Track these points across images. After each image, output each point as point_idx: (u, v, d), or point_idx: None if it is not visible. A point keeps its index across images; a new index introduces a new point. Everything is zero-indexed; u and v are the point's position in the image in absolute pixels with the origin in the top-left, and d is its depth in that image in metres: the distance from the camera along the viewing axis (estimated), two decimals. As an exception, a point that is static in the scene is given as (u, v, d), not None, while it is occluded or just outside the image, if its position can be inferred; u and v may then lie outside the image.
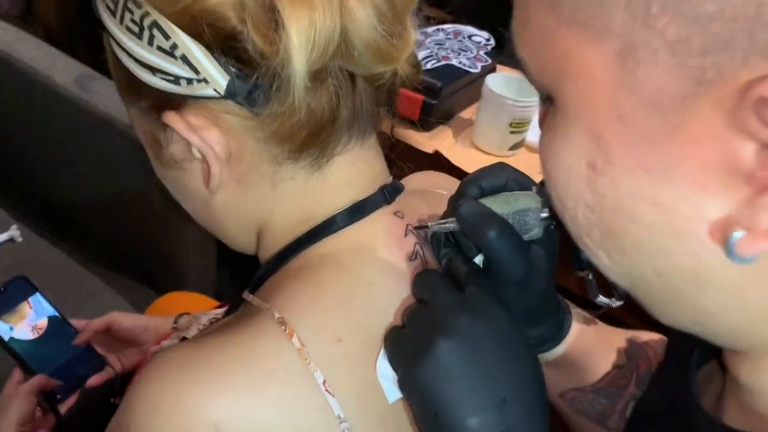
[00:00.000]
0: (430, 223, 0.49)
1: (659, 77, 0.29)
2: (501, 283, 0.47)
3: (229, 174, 0.47)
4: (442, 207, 0.51)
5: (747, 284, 0.31)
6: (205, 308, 0.93)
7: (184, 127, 0.45)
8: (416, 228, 0.50)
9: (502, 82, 1.11)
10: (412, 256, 0.49)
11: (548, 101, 0.35)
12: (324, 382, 0.42)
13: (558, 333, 0.57)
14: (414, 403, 0.43)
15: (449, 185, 0.58)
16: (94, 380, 0.79)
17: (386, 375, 0.44)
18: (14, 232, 1.26)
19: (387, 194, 0.50)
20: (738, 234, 0.28)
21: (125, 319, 0.86)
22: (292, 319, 0.44)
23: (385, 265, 0.48)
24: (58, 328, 0.84)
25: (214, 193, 0.48)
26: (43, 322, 0.85)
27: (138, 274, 1.27)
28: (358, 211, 0.49)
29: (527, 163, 1.12)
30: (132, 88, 0.47)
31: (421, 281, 0.46)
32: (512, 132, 1.10)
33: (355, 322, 0.45)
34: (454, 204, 0.48)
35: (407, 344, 0.43)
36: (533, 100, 1.09)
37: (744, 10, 0.26)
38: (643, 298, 0.36)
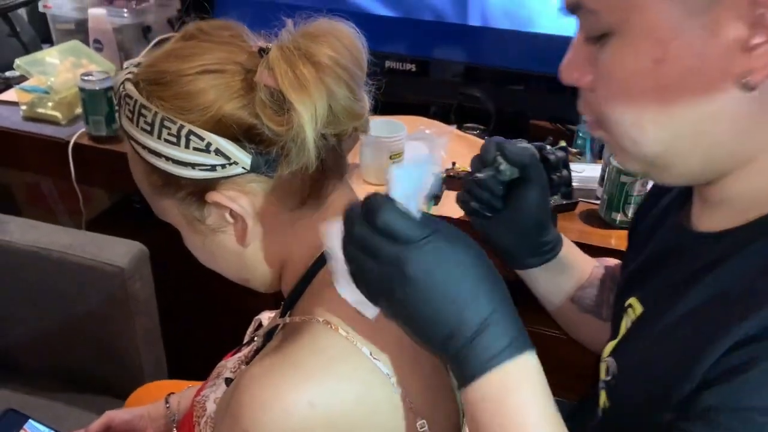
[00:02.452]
0: (478, 174, 0.75)
1: None
2: (533, 188, 0.75)
3: (256, 227, 0.62)
4: None
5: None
6: (177, 390, 1.03)
7: (226, 199, 0.60)
8: (470, 176, 0.75)
9: (372, 125, 1.29)
10: None
11: (603, 38, 0.52)
12: (370, 354, 0.58)
13: (559, 237, 0.81)
14: (411, 320, 0.52)
15: None
16: None
17: (358, 300, 0.53)
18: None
19: None
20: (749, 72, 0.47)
21: (122, 414, 0.96)
22: (332, 319, 0.59)
23: None
24: None
25: (247, 246, 0.64)
26: None
27: (95, 387, 1.32)
28: None
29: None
30: (170, 185, 0.62)
31: (375, 210, 0.50)
32: (393, 162, 1.29)
33: None
34: (489, 155, 0.74)
35: (386, 269, 0.50)
36: (401, 133, 1.29)
37: None
38: (672, 158, 0.53)
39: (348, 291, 0.54)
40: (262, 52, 0.61)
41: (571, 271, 0.83)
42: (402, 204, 0.51)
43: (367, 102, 0.64)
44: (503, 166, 0.74)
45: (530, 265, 0.82)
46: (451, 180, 1.30)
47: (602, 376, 0.67)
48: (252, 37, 0.64)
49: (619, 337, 0.66)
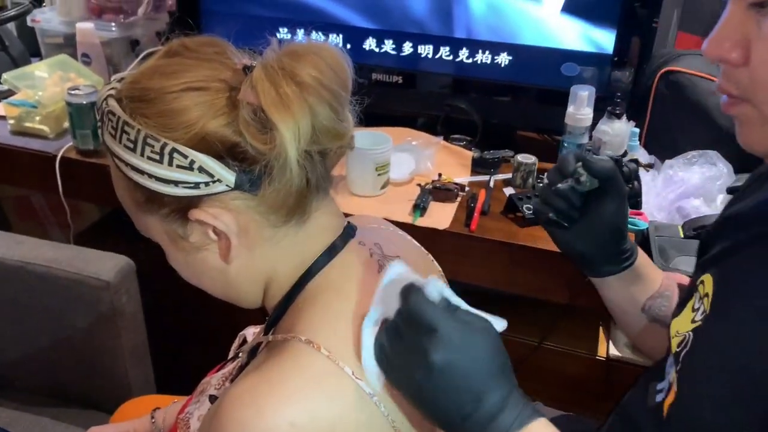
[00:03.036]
0: (559, 185, 0.78)
1: None
2: (612, 198, 0.79)
3: (240, 244, 0.62)
4: (386, 236, 0.74)
5: None
6: (163, 405, 1.03)
7: (209, 216, 0.60)
8: (550, 187, 0.80)
9: (358, 137, 1.29)
10: (380, 270, 0.67)
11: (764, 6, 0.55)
12: (353, 373, 0.58)
13: (634, 247, 0.86)
14: (430, 404, 0.58)
15: (381, 221, 0.81)
16: None
17: (373, 371, 0.59)
18: (-58, 402, 1.28)
19: (350, 231, 0.69)
20: None
21: (106, 430, 0.96)
22: (315, 337, 0.59)
23: (364, 280, 0.65)
24: None
25: (231, 263, 0.64)
26: None
27: (82, 401, 1.31)
28: (333, 248, 0.66)
29: (395, 197, 1.32)
30: (153, 202, 0.62)
31: (418, 307, 0.57)
32: (379, 175, 1.29)
33: (356, 325, 0.61)
34: (569, 166, 0.79)
35: (405, 354, 0.57)
36: (387, 145, 1.29)
37: None
38: None
39: (368, 360, 0.59)
40: (246, 69, 0.61)
41: (644, 280, 0.86)
42: (432, 293, 0.57)
43: (351, 121, 0.64)
44: (584, 177, 0.78)
45: (607, 273, 0.86)
46: (437, 191, 1.30)
47: (673, 349, 0.69)
48: (237, 53, 0.64)
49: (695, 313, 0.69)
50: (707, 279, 0.68)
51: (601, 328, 1.27)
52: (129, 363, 1.28)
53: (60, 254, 1.24)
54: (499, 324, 0.59)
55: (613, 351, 1.20)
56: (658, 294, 0.87)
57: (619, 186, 0.80)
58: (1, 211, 2.05)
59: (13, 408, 1.29)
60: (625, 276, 0.86)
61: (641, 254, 0.87)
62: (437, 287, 0.58)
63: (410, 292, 0.58)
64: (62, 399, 1.32)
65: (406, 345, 0.57)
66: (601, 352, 1.23)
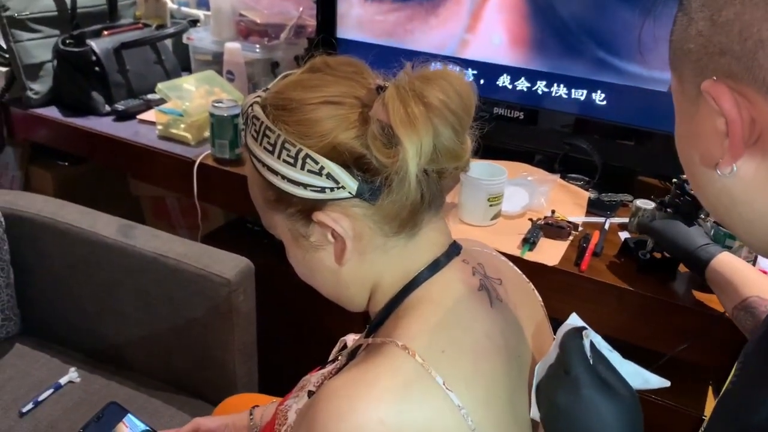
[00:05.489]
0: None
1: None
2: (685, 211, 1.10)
3: (354, 249, 0.67)
4: (489, 259, 0.78)
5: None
6: (263, 403, 1.09)
7: (330, 220, 0.65)
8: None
9: (475, 167, 1.33)
10: (480, 288, 0.70)
11: None
12: (444, 383, 0.61)
13: (709, 256, 1.02)
14: None
15: (484, 245, 0.84)
16: None
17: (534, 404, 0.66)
18: (73, 374, 1.41)
19: (456, 249, 0.72)
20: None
21: (208, 422, 1.02)
22: (410, 344, 0.62)
23: (463, 296, 0.68)
24: None
25: (343, 265, 0.68)
26: None
27: (191, 389, 1.40)
28: (438, 263, 0.70)
29: (505, 229, 1.33)
30: (282, 201, 0.68)
31: (567, 348, 0.64)
32: (491, 205, 1.31)
33: (450, 337, 0.64)
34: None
35: (545, 383, 0.64)
36: (502, 178, 1.31)
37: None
38: (733, 227, 0.53)
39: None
40: (380, 89, 0.66)
41: (725, 289, 0.98)
42: (585, 340, 0.62)
43: (469, 144, 0.67)
44: None
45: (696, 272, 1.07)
46: (548, 228, 1.30)
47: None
48: (372, 75, 0.70)
49: None
50: None
51: (710, 387, 1.21)
52: (237, 359, 1.35)
53: (189, 250, 1.34)
54: (658, 382, 0.62)
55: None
56: (741, 307, 0.92)
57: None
58: (138, 208, 2.24)
59: (131, 387, 1.39)
60: (709, 279, 1.01)
61: (727, 264, 0.99)
62: (593, 337, 0.63)
63: (568, 335, 0.63)
64: (174, 385, 1.42)
65: (548, 374, 0.64)
66: (708, 411, 1.17)
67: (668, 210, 1.15)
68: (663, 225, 1.12)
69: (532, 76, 1.51)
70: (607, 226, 1.33)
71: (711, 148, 0.48)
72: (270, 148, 0.66)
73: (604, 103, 1.45)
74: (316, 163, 0.64)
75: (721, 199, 0.50)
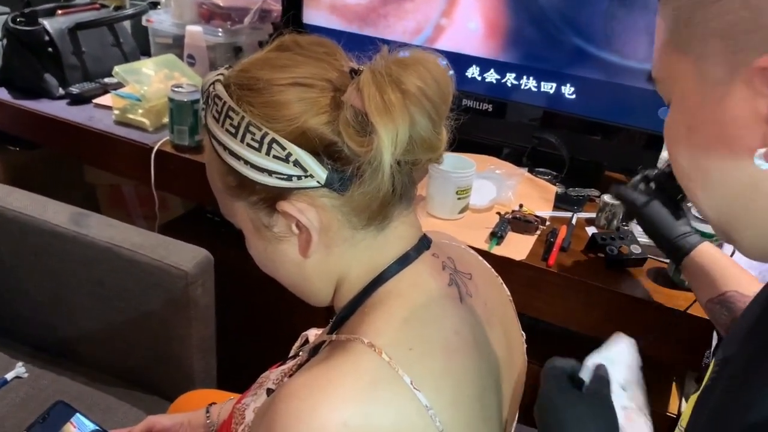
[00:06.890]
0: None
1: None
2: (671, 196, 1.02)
3: (320, 241, 0.63)
4: (459, 252, 0.75)
5: None
6: (220, 400, 1.05)
7: (295, 210, 0.61)
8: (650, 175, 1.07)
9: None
10: (450, 284, 0.67)
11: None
12: (411, 382, 0.58)
13: (689, 246, 0.98)
14: None
15: (452, 238, 0.82)
16: None
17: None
18: (20, 369, 1.35)
19: (425, 242, 0.69)
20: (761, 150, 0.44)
21: (163, 420, 0.98)
22: (377, 341, 0.59)
23: (432, 292, 0.65)
24: None
25: (308, 258, 0.65)
26: None
27: (146, 385, 1.36)
28: (407, 257, 0.67)
29: (473, 223, 1.31)
30: (244, 188, 0.63)
31: (549, 375, 0.68)
32: (459, 198, 1.29)
33: (418, 334, 0.61)
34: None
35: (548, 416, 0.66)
36: (470, 171, 1.29)
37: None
38: (728, 230, 0.51)
39: None
40: (353, 72, 0.62)
41: (701, 281, 0.95)
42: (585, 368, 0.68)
43: (445, 135, 0.64)
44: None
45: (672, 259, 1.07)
46: (516, 222, 1.28)
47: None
48: (345, 57, 0.66)
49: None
50: None
51: (674, 384, 1.21)
52: (195, 354, 1.31)
53: (145, 241, 1.29)
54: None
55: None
56: (718, 301, 0.90)
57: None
58: (93, 196, 2.16)
59: (82, 383, 1.34)
60: (686, 269, 0.98)
61: (707, 256, 0.96)
62: (598, 364, 0.70)
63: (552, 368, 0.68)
64: (128, 381, 1.37)
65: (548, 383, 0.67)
66: (672, 408, 1.17)
67: (651, 185, 1.09)
68: (648, 208, 1.05)
69: (501, 67, 1.49)
70: (574, 221, 1.33)
71: (744, 134, 0.45)
72: (233, 131, 0.61)
73: (573, 97, 1.44)
74: (283, 148, 0.60)
75: (743, 192, 0.47)
